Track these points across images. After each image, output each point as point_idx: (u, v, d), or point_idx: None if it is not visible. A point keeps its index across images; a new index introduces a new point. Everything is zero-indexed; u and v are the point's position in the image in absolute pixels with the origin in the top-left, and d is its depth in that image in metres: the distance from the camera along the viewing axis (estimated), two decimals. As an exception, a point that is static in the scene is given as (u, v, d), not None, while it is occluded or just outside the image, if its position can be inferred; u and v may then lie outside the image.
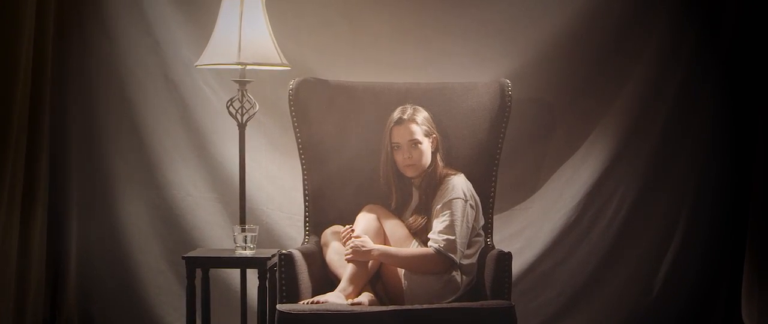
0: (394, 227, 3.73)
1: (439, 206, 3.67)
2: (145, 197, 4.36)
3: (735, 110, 4.32)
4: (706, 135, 4.34)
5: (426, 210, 3.73)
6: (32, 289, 4.19)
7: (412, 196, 3.81)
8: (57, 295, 4.35)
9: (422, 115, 3.76)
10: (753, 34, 4.26)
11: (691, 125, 4.34)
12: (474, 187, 3.78)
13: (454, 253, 3.61)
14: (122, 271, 4.35)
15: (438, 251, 3.60)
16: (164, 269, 4.36)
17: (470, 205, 3.69)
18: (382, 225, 3.73)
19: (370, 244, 3.64)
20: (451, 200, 3.66)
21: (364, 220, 3.73)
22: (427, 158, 3.75)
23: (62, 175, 4.35)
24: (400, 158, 3.74)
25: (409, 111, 3.74)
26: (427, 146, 3.74)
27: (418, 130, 3.72)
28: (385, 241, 3.72)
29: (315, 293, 3.64)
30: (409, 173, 3.76)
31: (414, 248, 3.67)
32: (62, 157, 4.35)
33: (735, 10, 4.25)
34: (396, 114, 3.75)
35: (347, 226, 3.74)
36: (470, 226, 3.68)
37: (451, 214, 3.63)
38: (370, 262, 3.66)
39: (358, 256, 3.62)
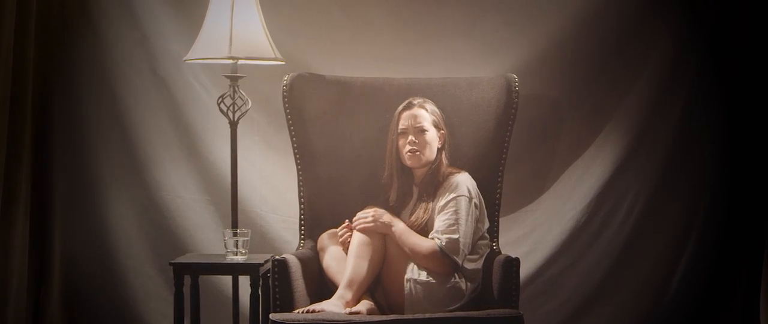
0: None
1: (441, 203, 3.62)
2: (133, 199, 4.34)
3: (755, 105, 4.26)
4: (724, 132, 4.28)
5: (426, 209, 3.67)
6: (13, 296, 4.15)
7: (412, 194, 3.76)
8: (40, 303, 4.31)
9: (433, 106, 3.74)
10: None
11: (708, 121, 4.29)
12: (479, 187, 3.72)
13: (457, 254, 3.55)
14: (109, 276, 4.32)
15: (441, 249, 3.54)
16: (153, 275, 4.33)
17: (475, 203, 3.64)
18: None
19: (388, 217, 3.60)
20: (455, 198, 3.61)
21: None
22: (433, 151, 3.71)
23: (45, 175, 4.31)
24: (402, 144, 3.70)
25: (420, 99, 3.74)
26: (433, 137, 3.70)
27: (427, 118, 3.70)
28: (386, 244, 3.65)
29: (311, 301, 3.58)
30: (411, 162, 3.71)
31: (424, 238, 3.59)
32: (45, 157, 4.30)
33: None
34: (404, 102, 3.74)
35: (345, 222, 3.68)
36: (474, 226, 3.62)
37: (455, 212, 3.58)
38: (371, 266, 3.57)
39: (377, 228, 3.58)
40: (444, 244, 3.54)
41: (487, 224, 3.73)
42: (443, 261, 3.55)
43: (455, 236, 3.55)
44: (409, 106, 3.70)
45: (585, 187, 4.31)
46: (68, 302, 4.32)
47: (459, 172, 3.69)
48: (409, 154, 3.69)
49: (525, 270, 4.05)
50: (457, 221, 3.56)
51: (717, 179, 4.30)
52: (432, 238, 3.57)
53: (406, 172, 3.76)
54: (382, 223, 3.59)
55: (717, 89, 4.27)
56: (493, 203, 3.85)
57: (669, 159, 4.30)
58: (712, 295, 4.30)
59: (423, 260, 3.56)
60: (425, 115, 3.69)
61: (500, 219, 3.91)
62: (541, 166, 4.34)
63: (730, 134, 4.28)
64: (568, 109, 4.31)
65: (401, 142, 3.70)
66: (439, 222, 3.58)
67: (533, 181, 4.34)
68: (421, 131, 3.68)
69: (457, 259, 3.55)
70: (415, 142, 3.67)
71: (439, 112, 3.74)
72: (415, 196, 3.74)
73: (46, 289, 4.31)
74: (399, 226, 3.60)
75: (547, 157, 4.33)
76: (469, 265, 3.60)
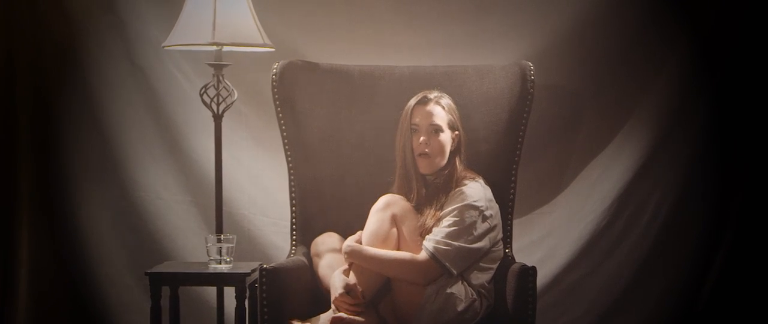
0: (411, 232, 3.50)
1: (447, 210, 3.48)
2: (108, 200, 4.27)
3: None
4: (758, 124, 4.17)
5: (434, 216, 3.51)
6: (-27, 311, 4.11)
7: (423, 197, 3.62)
8: (4, 315, 4.25)
9: (448, 101, 3.62)
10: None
11: (741, 113, 4.18)
12: (490, 187, 3.61)
13: (452, 263, 3.40)
14: (81, 286, 4.25)
15: (434, 257, 3.39)
16: (131, 284, 4.26)
17: (485, 214, 3.48)
18: (399, 226, 3.50)
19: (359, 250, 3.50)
20: (463, 205, 3.46)
21: (376, 223, 3.52)
22: (445, 156, 3.58)
23: (10, 174, 4.25)
24: (415, 142, 3.57)
25: (436, 93, 3.62)
26: (447, 138, 3.57)
27: (442, 116, 3.57)
28: (399, 244, 3.51)
29: (303, 314, 3.47)
30: (423, 167, 3.57)
31: (397, 252, 3.46)
32: (10, 154, 4.25)
33: None
34: (419, 95, 3.61)
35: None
36: (480, 239, 3.45)
37: (461, 222, 3.43)
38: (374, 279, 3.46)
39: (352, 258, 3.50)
40: (439, 251, 3.39)
41: (500, 235, 3.59)
42: (432, 269, 3.40)
43: (455, 243, 3.41)
44: (424, 102, 3.57)
45: (606, 186, 4.21)
46: (36, 314, 4.25)
47: (473, 180, 3.56)
48: (421, 157, 3.56)
49: (540, 278, 3.88)
50: (458, 232, 3.41)
51: (751, 177, 4.19)
52: (425, 243, 3.44)
53: (418, 174, 3.62)
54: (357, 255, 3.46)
55: (754, 74, 4.15)
56: (506, 205, 3.75)
57: (698, 156, 4.20)
58: (746, 306, 4.20)
59: (405, 272, 3.41)
60: (440, 112, 3.57)
61: (513, 222, 3.83)
62: (558, 164, 4.26)
63: (766, 127, 4.18)
64: (588, 101, 4.22)
65: (414, 140, 3.57)
66: (439, 229, 3.45)
67: (549, 180, 4.26)
68: (436, 131, 3.56)
69: (450, 268, 3.40)
70: (428, 143, 3.55)
71: (455, 109, 3.63)
72: (424, 199, 3.61)
73: (11, 300, 4.25)
74: (363, 254, 3.45)
75: (564, 154, 4.25)
76: (478, 278, 3.46)
